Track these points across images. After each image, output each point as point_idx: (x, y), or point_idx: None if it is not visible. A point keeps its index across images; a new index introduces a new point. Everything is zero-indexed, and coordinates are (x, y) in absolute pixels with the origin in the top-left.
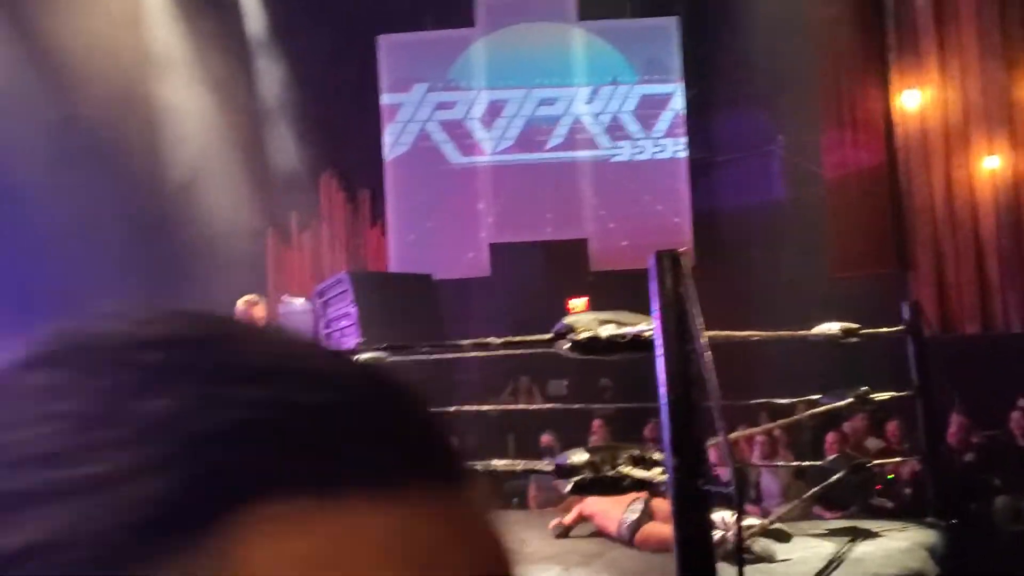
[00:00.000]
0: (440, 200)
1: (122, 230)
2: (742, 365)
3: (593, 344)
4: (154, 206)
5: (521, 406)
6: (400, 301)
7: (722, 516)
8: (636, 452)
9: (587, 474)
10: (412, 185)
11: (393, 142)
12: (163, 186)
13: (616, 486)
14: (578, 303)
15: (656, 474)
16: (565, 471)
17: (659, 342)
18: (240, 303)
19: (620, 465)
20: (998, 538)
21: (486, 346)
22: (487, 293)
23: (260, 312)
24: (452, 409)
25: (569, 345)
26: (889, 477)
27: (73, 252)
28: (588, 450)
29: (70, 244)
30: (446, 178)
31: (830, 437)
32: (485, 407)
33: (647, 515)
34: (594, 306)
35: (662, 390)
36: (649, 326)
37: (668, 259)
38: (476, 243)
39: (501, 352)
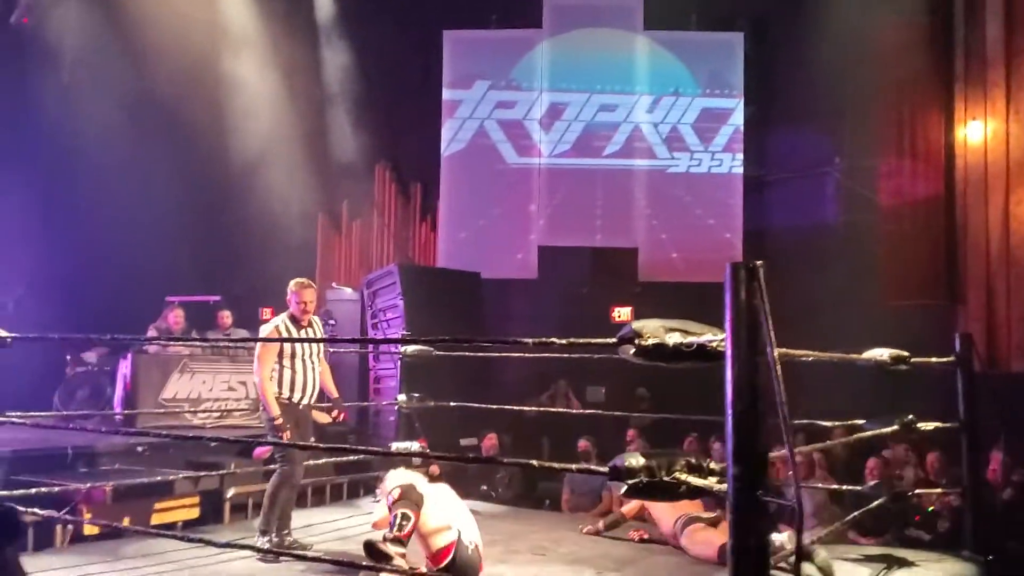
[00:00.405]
0: (493, 199)
1: (183, 204)
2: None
3: (660, 351)
4: (215, 183)
5: (559, 409)
6: (447, 296)
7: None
8: (693, 460)
9: (643, 478)
10: (466, 182)
11: (451, 138)
12: (225, 164)
13: (671, 492)
14: (623, 312)
15: (713, 483)
16: (621, 473)
17: (729, 351)
18: (293, 284)
19: (677, 471)
20: None
21: (549, 345)
22: (532, 295)
23: (310, 296)
24: (493, 408)
25: (634, 351)
26: (929, 509)
27: (136, 224)
28: (644, 454)
29: (134, 215)
30: (500, 177)
31: (871, 463)
32: (523, 408)
33: (703, 519)
34: (638, 317)
35: (729, 399)
36: (716, 336)
37: (744, 270)
38: (525, 244)
39: (554, 354)
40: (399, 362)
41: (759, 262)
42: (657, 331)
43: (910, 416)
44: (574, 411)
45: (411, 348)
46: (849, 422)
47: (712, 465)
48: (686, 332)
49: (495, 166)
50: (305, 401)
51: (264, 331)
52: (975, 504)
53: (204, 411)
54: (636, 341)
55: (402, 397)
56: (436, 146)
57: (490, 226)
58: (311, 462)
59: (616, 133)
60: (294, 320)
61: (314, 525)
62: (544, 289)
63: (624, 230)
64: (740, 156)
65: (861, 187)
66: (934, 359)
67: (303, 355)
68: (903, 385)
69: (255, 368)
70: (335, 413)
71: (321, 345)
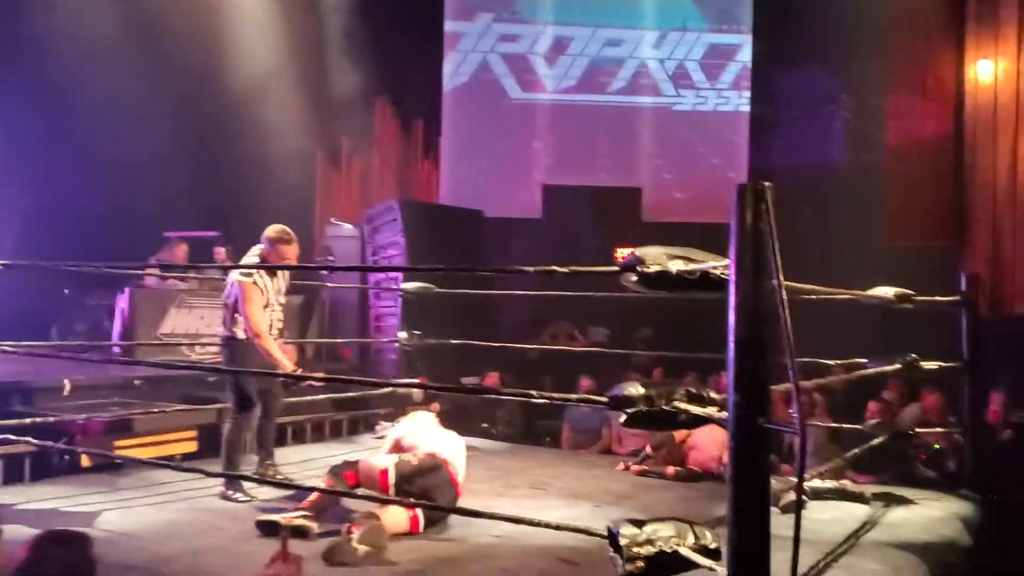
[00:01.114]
0: (496, 136)
1: (181, 140)
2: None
3: (662, 279)
4: (212, 119)
5: (560, 347)
6: (449, 234)
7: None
8: (693, 389)
9: (642, 407)
10: (469, 118)
11: (453, 72)
12: (222, 99)
13: (671, 421)
14: (626, 253)
15: (714, 412)
16: (620, 403)
17: (733, 275)
18: (274, 233)
19: (676, 400)
20: None
21: (551, 274)
22: (536, 235)
23: (294, 252)
24: (495, 346)
25: (636, 278)
26: (935, 447)
27: (129, 157)
28: (644, 384)
29: (131, 151)
30: (504, 113)
31: (872, 404)
32: (525, 346)
33: None
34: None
35: (731, 325)
36: (720, 263)
37: (751, 192)
38: (529, 183)
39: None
40: (400, 299)
41: (767, 184)
42: (660, 258)
43: (912, 355)
44: (576, 349)
45: (412, 285)
46: (850, 360)
47: (713, 395)
48: (689, 259)
49: (499, 101)
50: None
51: (244, 279)
52: (975, 444)
53: (202, 345)
54: (638, 268)
55: (402, 335)
56: (438, 81)
57: (493, 164)
58: (309, 398)
59: (621, 69)
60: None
61: (313, 460)
62: (547, 229)
63: (628, 169)
64: (747, 94)
65: (868, 126)
66: (938, 298)
67: (273, 300)
68: (904, 327)
69: (247, 324)
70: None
71: (285, 284)
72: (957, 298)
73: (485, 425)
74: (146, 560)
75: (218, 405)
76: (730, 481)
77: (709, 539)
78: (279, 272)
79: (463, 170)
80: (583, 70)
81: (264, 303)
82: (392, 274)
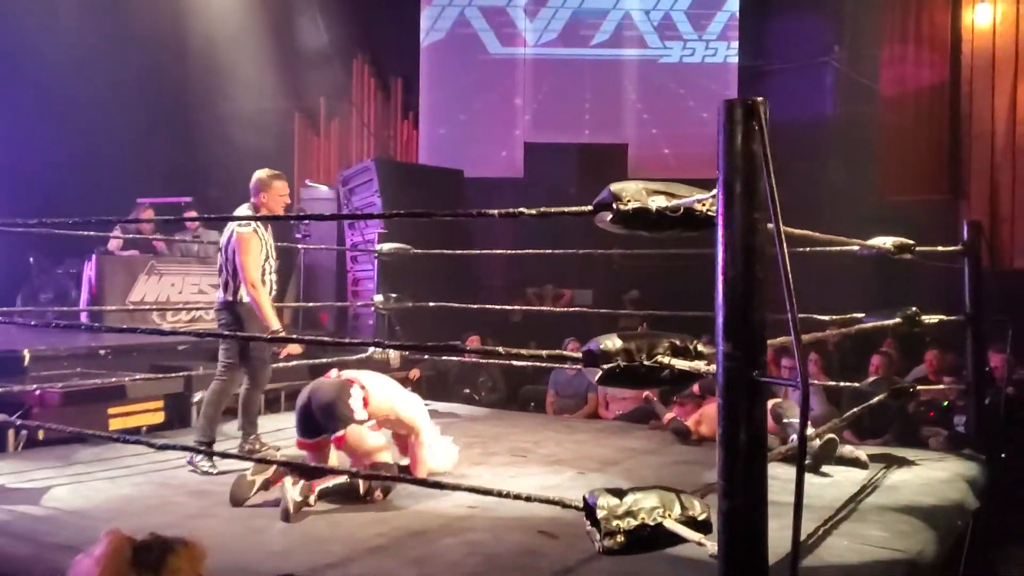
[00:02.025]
0: (476, 92)
1: (151, 105)
2: (777, 277)
3: (641, 217)
4: (185, 82)
5: (538, 308)
6: (427, 195)
7: None
8: (678, 341)
9: (620, 362)
10: (447, 74)
11: (430, 27)
12: (194, 62)
13: (653, 377)
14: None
15: (702, 365)
16: (596, 358)
17: (721, 205)
18: (264, 174)
19: (659, 354)
20: None
21: (519, 215)
22: (518, 195)
23: (284, 190)
24: (476, 308)
25: (612, 217)
26: (943, 405)
27: (97, 122)
28: (622, 336)
29: (102, 116)
30: (483, 69)
31: (876, 358)
32: (506, 307)
33: None
34: None
35: (720, 263)
36: (706, 196)
37: (741, 108)
38: (510, 141)
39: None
40: (376, 262)
41: (759, 99)
42: (638, 194)
43: (913, 308)
44: (558, 310)
45: (388, 247)
46: (847, 316)
47: (700, 347)
48: (671, 195)
49: (477, 56)
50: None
51: (244, 231)
52: (979, 401)
53: (174, 311)
54: (615, 206)
55: (378, 297)
56: (415, 36)
57: (473, 121)
58: (282, 364)
59: (605, 21)
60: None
61: (286, 429)
62: (530, 188)
63: (613, 125)
64: (735, 45)
65: (862, 76)
66: (939, 248)
67: (271, 255)
68: (898, 283)
69: (243, 276)
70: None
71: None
72: (959, 247)
73: (467, 391)
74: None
75: (185, 374)
76: (720, 444)
77: (698, 509)
78: (271, 227)
79: (442, 129)
80: (564, 23)
81: (263, 257)
82: (369, 237)
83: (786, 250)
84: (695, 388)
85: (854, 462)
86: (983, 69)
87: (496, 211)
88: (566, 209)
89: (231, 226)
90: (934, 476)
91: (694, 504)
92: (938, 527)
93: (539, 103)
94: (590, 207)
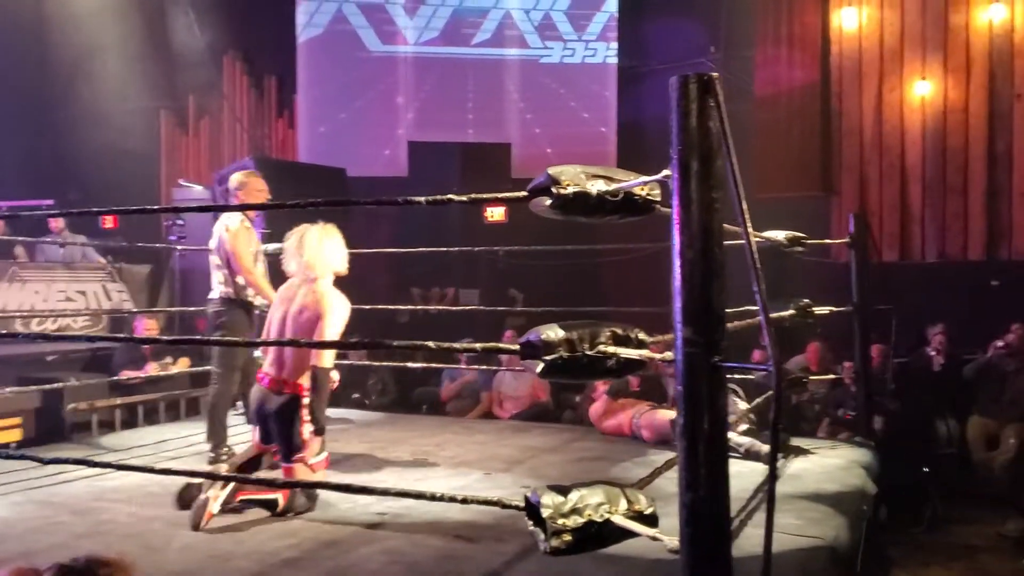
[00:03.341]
0: (355, 90)
1: (6, 105)
2: (657, 274)
3: (581, 201)
4: (41, 81)
5: (432, 308)
6: (309, 194)
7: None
8: (618, 329)
9: (562, 353)
10: (325, 71)
11: (306, 23)
12: (52, 60)
13: (597, 368)
14: (496, 212)
15: (647, 353)
16: (536, 349)
17: (677, 186)
18: (240, 175)
19: (601, 344)
20: (929, 460)
21: (447, 202)
22: (403, 193)
23: (261, 186)
24: (365, 308)
25: (551, 201)
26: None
27: None
28: (564, 326)
29: None
30: (363, 66)
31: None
32: (398, 307)
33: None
34: (512, 217)
35: (677, 245)
36: (646, 181)
37: (696, 84)
38: (393, 140)
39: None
40: None
41: (715, 74)
42: (577, 177)
43: (805, 300)
44: (452, 309)
45: (272, 247)
46: (741, 308)
47: (641, 335)
48: (611, 179)
49: (356, 54)
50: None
51: (232, 226)
52: (865, 389)
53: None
54: (554, 190)
55: (261, 300)
56: (291, 33)
57: (354, 120)
58: (163, 372)
59: (486, 20)
60: (249, 220)
61: (167, 441)
62: (414, 187)
63: (497, 124)
64: (614, 45)
65: (736, 77)
66: (828, 241)
67: (259, 250)
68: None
69: (237, 264)
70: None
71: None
72: (846, 240)
73: (356, 395)
74: None
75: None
76: (682, 434)
77: (643, 504)
78: (254, 229)
79: (322, 128)
80: (445, 21)
81: (254, 251)
82: None
83: (750, 229)
84: (635, 386)
85: (756, 455)
86: (851, 70)
87: (423, 199)
88: (498, 195)
89: (218, 229)
90: (832, 463)
91: (639, 498)
92: (848, 513)
93: (421, 102)
94: (526, 192)
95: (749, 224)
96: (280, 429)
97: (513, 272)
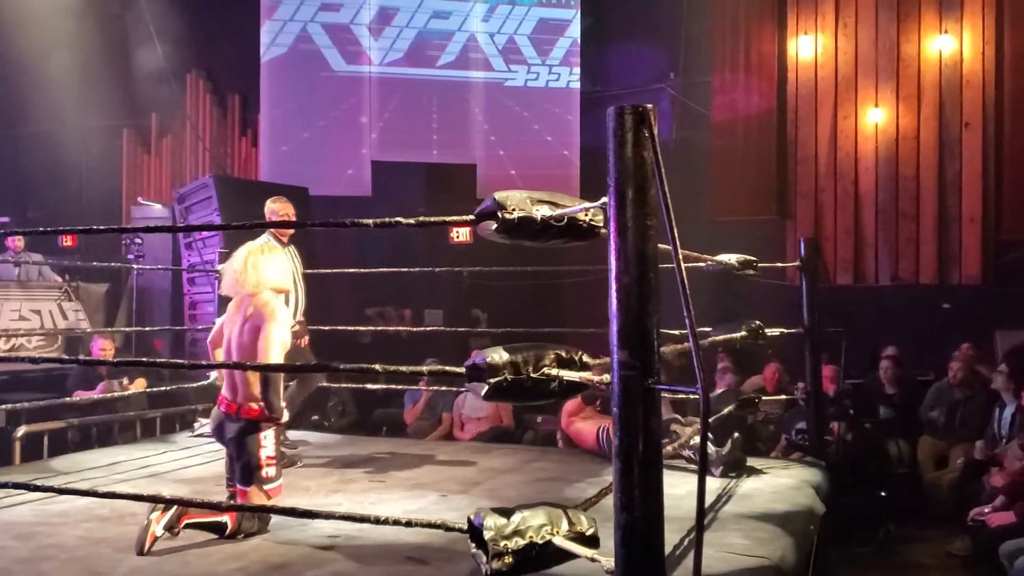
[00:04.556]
0: (319, 109)
1: None
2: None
3: (526, 226)
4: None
5: (402, 328)
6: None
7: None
8: (563, 352)
9: (507, 375)
10: (289, 90)
11: (270, 42)
12: (8, 74)
13: (541, 390)
14: (462, 232)
15: (590, 376)
16: (481, 372)
17: (613, 213)
18: (269, 202)
19: (545, 366)
20: (881, 481)
21: (395, 224)
22: (366, 213)
23: (288, 211)
24: (325, 329)
25: (497, 226)
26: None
27: None
28: (508, 349)
29: None
30: (327, 86)
31: (721, 370)
32: (357, 328)
33: None
34: (477, 238)
35: (613, 271)
36: (590, 206)
37: (632, 115)
38: (357, 159)
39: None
40: (216, 283)
41: (649, 106)
42: (523, 202)
43: (756, 322)
44: (414, 330)
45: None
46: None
47: (585, 358)
48: (556, 204)
49: (320, 73)
50: (297, 318)
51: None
52: (817, 410)
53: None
54: (499, 214)
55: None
56: (254, 52)
57: (318, 139)
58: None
59: (450, 42)
60: (278, 241)
61: (120, 463)
62: (379, 208)
63: (462, 145)
64: (577, 71)
65: (695, 103)
66: (779, 264)
67: (295, 275)
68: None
69: None
70: (301, 339)
71: (300, 266)
72: (797, 264)
73: (316, 417)
74: None
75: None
76: (617, 455)
77: (585, 524)
78: (292, 250)
79: (285, 147)
80: (410, 43)
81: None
82: (208, 257)
83: (681, 256)
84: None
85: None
86: (806, 97)
87: (371, 220)
88: (449, 219)
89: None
90: (783, 483)
91: (581, 519)
92: (795, 533)
93: (386, 122)
94: (472, 216)
95: (679, 251)
96: (237, 454)
97: (477, 292)
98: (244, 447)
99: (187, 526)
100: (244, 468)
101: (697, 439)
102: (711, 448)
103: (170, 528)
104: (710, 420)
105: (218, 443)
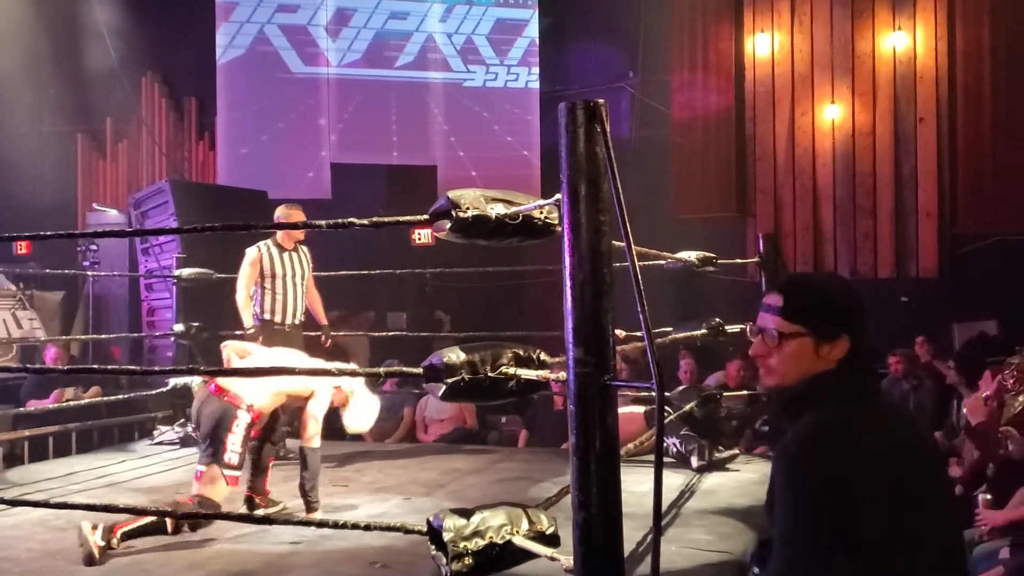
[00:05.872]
0: (278, 112)
1: None
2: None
3: (480, 224)
4: None
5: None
6: (229, 217)
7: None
8: (521, 351)
9: (464, 375)
10: (247, 93)
11: (227, 44)
12: None
13: (499, 390)
14: (423, 234)
15: (547, 374)
16: (438, 372)
17: (567, 209)
18: (278, 210)
19: (503, 366)
20: None
21: (348, 225)
22: (327, 216)
23: (284, 217)
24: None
25: (452, 225)
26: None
27: None
28: (465, 348)
29: None
30: (285, 87)
31: (683, 366)
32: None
33: None
34: (439, 240)
35: (567, 268)
36: (544, 203)
37: (583, 111)
38: (316, 162)
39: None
40: (175, 288)
41: (601, 101)
42: (477, 201)
43: (717, 319)
44: (376, 335)
45: (187, 272)
46: (659, 329)
47: (543, 356)
48: (510, 203)
49: (278, 75)
50: (288, 322)
51: (249, 253)
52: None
53: None
54: (453, 213)
55: (179, 327)
56: (211, 54)
57: (276, 141)
58: (72, 403)
59: (408, 43)
60: (278, 245)
61: (76, 474)
62: (339, 210)
63: (422, 146)
64: (536, 70)
65: (654, 101)
66: (738, 260)
67: (285, 276)
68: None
69: (238, 286)
70: (323, 340)
71: (308, 269)
72: (756, 260)
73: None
74: None
75: None
76: (573, 453)
77: (545, 523)
78: (300, 254)
79: (243, 150)
80: (368, 44)
81: (270, 275)
82: (165, 263)
83: (634, 251)
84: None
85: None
86: (764, 95)
87: (323, 223)
88: (404, 219)
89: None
90: (746, 478)
91: (541, 518)
92: (758, 527)
93: (345, 123)
94: (426, 216)
95: (632, 247)
96: (210, 430)
97: (440, 295)
98: (217, 426)
99: (124, 535)
100: (209, 446)
101: (674, 436)
102: (696, 441)
103: (107, 541)
104: (673, 416)
105: (192, 424)
